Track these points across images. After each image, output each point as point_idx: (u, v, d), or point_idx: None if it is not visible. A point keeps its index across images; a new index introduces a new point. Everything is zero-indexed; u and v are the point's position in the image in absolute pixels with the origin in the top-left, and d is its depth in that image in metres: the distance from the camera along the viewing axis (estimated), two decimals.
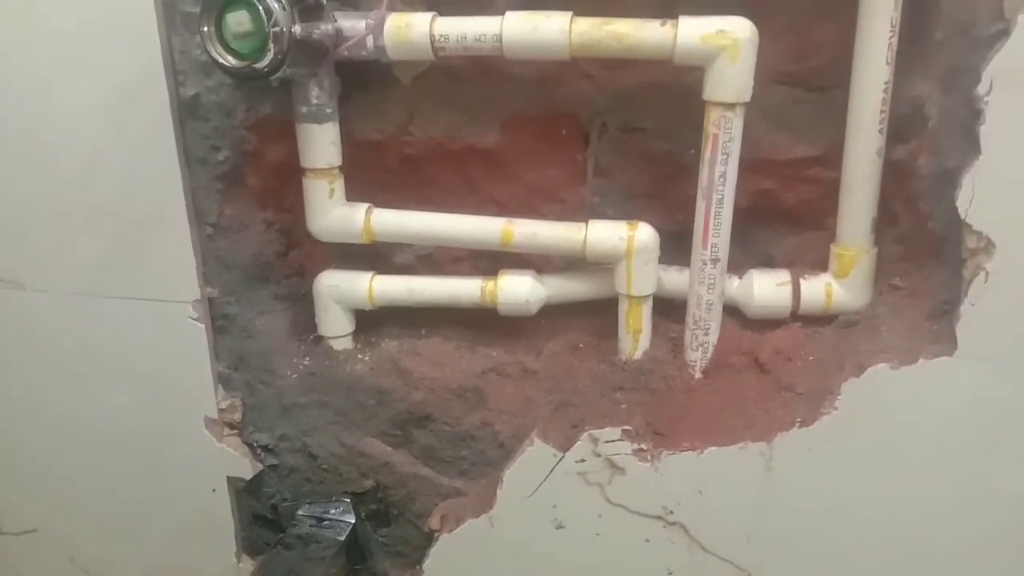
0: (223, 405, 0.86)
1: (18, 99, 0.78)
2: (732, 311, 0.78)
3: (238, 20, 0.64)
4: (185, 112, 0.76)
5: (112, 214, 0.80)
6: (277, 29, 0.65)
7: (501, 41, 0.70)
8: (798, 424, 0.72)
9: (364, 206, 0.80)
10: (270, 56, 0.65)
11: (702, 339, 0.75)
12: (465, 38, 0.70)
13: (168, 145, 0.76)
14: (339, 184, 0.79)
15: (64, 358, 0.86)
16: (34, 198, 0.81)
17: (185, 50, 0.74)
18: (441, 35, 0.71)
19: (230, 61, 0.65)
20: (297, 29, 0.66)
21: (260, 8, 0.64)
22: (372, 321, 0.87)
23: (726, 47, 0.66)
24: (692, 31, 0.66)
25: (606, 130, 0.79)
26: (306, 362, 0.86)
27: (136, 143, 0.77)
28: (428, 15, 0.71)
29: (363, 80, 0.78)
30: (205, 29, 0.64)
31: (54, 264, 0.83)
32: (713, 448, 0.74)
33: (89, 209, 0.80)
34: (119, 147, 0.77)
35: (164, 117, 0.75)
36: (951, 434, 0.69)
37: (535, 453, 0.78)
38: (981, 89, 0.61)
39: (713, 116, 0.68)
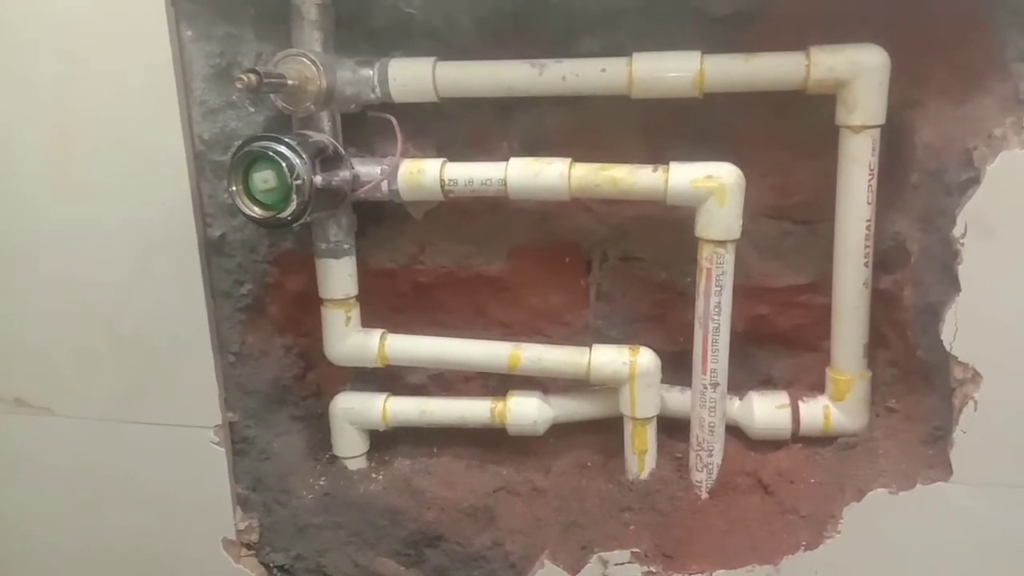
0: (241, 526, 0.88)
1: (51, 238, 0.83)
2: (734, 431, 0.80)
3: (264, 178, 0.69)
4: (212, 250, 0.82)
5: (138, 345, 0.84)
6: (299, 182, 0.70)
7: (506, 184, 0.75)
8: (803, 547, 0.74)
9: (378, 332, 0.84)
10: (293, 206, 0.70)
11: (706, 460, 0.78)
12: (472, 182, 0.76)
13: (195, 281, 0.81)
14: (355, 312, 0.84)
15: (88, 481, 0.89)
16: (64, 329, 0.86)
17: (213, 194, 0.80)
18: (450, 179, 0.76)
19: (257, 213, 0.71)
20: (318, 179, 0.72)
21: (283, 165, 0.69)
22: (385, 440, 0.90)
23: (714, 191, 0.70)
24: (682, 176, 0.71)
25: (606, 258, 0.84)
26: (321, 482, 0.88)
27: (164, 278, 0.82)
28: (438, 161, 0.77)
29: (378, 215, 0.84)
30: (233, 188, 0.70)
31: (82, 391, 0.87)
32: (721, 571, 0.75)
33: (116, 340, 0.85)
34: (147, 282, 0.82)
35: (192, 255, 0.80)
36: (950, 559, 0.70)
37: (546, 575, 0.79)
38: (956, 231, 0.65)
39: (706, 252, 0.72)
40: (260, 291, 0.84)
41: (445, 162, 0.77)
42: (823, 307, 0.77)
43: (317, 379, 0.92)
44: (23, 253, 0.85)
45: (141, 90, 0.76)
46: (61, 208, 0.82)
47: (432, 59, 0.75)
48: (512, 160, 0.75)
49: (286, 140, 0.71)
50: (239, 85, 0.65)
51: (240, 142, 0.71)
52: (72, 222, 0.82)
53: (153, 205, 0.79)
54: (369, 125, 0.80)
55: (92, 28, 0.75)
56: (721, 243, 0.71)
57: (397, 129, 0.77)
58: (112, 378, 0.86)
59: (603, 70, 0.72)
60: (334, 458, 0.89)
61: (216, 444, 0.85)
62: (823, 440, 0.78)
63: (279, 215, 0.70)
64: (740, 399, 0.80)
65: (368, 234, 0.84)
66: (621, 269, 0.83)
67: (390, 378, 0.89)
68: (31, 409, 0.89)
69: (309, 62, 0.72)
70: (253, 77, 0.66)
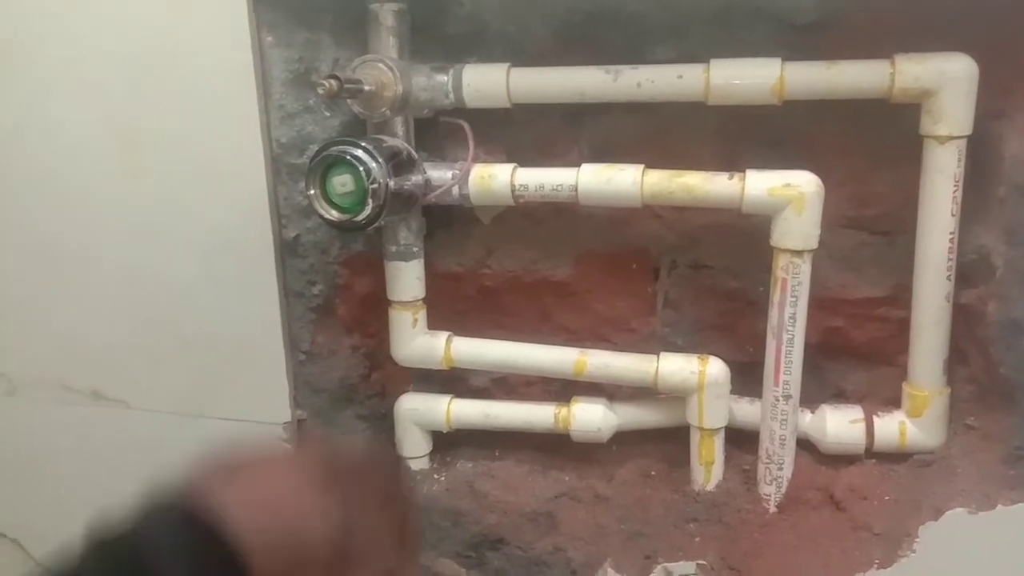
0: None
1: (128, 238, 0.85)
2: (804, 444, 0.79)
3: (342, 182, 0.70)
4: (286, 251, 0.83)
5: (212, 342, 0.86)
6: (375, 186, 0.71)
7: (577, 190, 0.75)
8: (876, 565, 0.72)
9: (445, 335, 0.85)
10: (369, 210, 0.71)
11: (776, 473, 0.76)
12: (543, 187, 0.76)
13: (269, 280, 0.83)
14: (422, 315, 0.84)
15: (162, 472, 0.92)
16: (138, 326, 0.89)
17: (288, 197, 0.82)
18: (521, 185, 0.76)
19: (334, 215, 0.72)
20: (392, 184, 0.73)
21: (361, 169, 0.70)
22: (448, 441, 0.90)
23: (792, 199, 0.69)
24: (759, 184, 0.70)
25: (676, 266, 0.83)
26: None
27: (239, 278, 0.84)
28: (509, 167, 0.77)
29: (446, 219, 0.84)
30: (312, 192, 0.71)
31: (156, 385, 0.90)
32: None
33: (190, 337, 0.87)
34: (222, 281, 0.84)
35: (267, 256, 0.82)
36: None
37: None
38: None
39: (781, 261, 0.71)
40: (330, 292, 0.86)
41: (516, 167, 0.77)
42: (900, 320, 0.76)
43: (381, 380, 0.93)
44: (100, 250, 0.88)
45: (221, 95, 0.78)
46: (137, 209, 0.85)
47: (506, 65, 0.75)
48: (584, 166, 0.75)
49: (363, 144, 0.72)
50: (320, 91, 0.67)
51: (318, 146, 0.72)
52: (148, 223, 0.85)
53: (229, 207, 0.81)
54: (440, 130, 0.81)
55: (172, 34, 0.78)
56: (798, 253, 0.70)
57: (469, 134, 0.78)
58: (185, 374, 0.88)
59: (679, 76, 0.71)
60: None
61: (285, 441, 0.87)
62: (898, 457, 0.76)
63: (355, 218, 0.71)
64: (812, 412, 0.79)
65: (436, 237, 0.85)
66: (690, 277, 0.82)
67: (453, 381, 0.89)
68: (107, 401, 0.92)
69: (386, 68, 0.73)
70: (334, 83, 0.67)
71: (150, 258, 0.85)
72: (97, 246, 0.87)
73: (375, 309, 0.87)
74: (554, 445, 0.87)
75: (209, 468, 0.42)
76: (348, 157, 0.70)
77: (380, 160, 0.72)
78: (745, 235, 0.76)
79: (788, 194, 0.69)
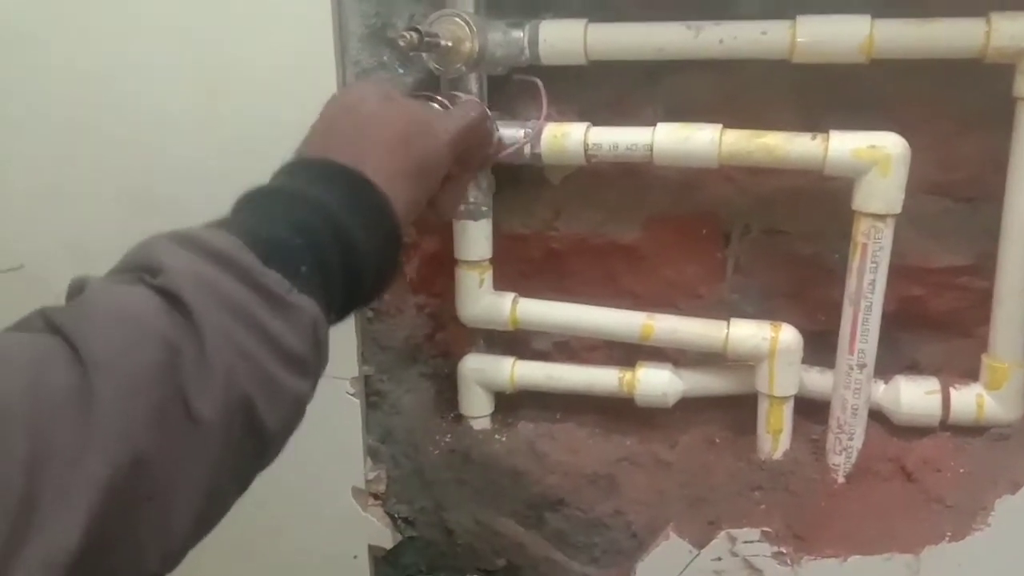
0: (370, 476, 0.91)
1: (202, 193, 0.83)
2: (876, 415, 0.77)
3: None
4: None
5: None
6: None
7: (652, 150, 0.74)
8: (947, 538, 0.71)
9: (511, 296, 0.85)
10: None
11: (846, 443, 0.75)
12: (617, 147, 0.75)
13: None
14: (488, 275, 0.85)
15: None
16: None
17: None
18: (594, 144, 0.76)
19: None
20: None
21: None
22: (510, 403, 0.91)
23: (878, 160, 0.67)
24: (843, 145, 0.68)
25: (748, 231, 0.82)
26: (447, 439, 0.90)
27: None
28: (583, 126, 0.76)
29: (515, 179, 0.84)
30: None
31: None
32: (857, 556, 0.73)
33: None
34: None
35: None
36: None
37: (670, 547, 0.79)
38: None
39: (863, 226, 0.69)
40: None
41: (589, 126, 0.76)
42: (982, 291, 0.73)
43: (446, 340, 0.93)
44: (174, 207, 0.89)
45: (297, 49, 0.79)
46: (211, 162, 0.85)
47: (583, 21, 0.74)
48: (660, 125, 0.74)
49: (436, 98, 0.71)
50: (401, 43, 0.66)
51: None
52: (222, 177, 0.85)
53: None
54: (511, 88, 0.80)
55: None
56: (880, 217, 0.68)
57: (543, 92, 0.77)
58: None
59: (763, 33, 0.69)
60: (460, 417, 0.91)
61: (352, 395, 0.88)
62: (973, 430, 0.75)
63: None
64: (885, 383, 0.77)
65: (504, 196, 0.85)
66: (763, 243, 0.81)
67: (515, 342, 0.90)
68: None
69: (463, 23, 0.73)
70: (414, 35, 0.67)
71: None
72: (177, 199, 0.88)
73: (440, 269, 0.87)
74: (616, 410, 0.87)
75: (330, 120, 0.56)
76: None
77: None
78: (823, 199, 0.75)
79: (873, 156, 0.67)
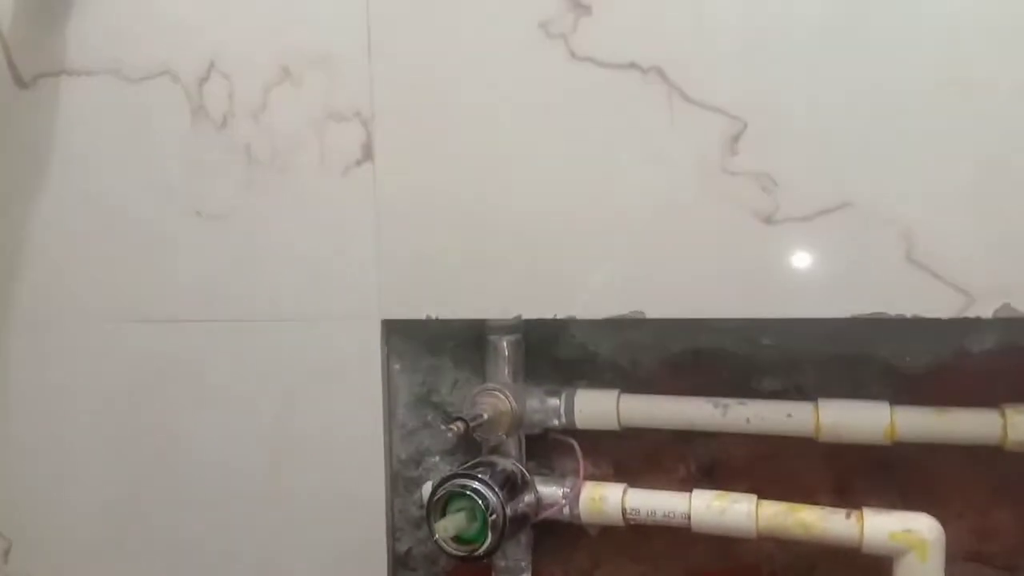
0: None
1: (260, 559, 0.89)
2: None
3: (457, 523, 0.73)
4: (398, 563, 0.85)
5: None
6: (494, 517, 0.73)
7: (689, 519, 0.76)
8: None
9: None
10: (488, 542, 0.73)
11: None
12: (655, 513, 0.77)
13: None
14: None
15: None
16: None
17: (403, 509, 0.85)
18: (633, 508, 0.78)
19: (454, 548, 0.74)
20: (509, 511, 0.75)
21: (480, 503, 0.73)
22: None
23: (915, 545, 0.68)
24: (878, 526, 0.70)
25: None
26: None
27: None
28: (620, 488, 0.79)
29: (553, 529, 0.85)
30: (436, 536, 0.74)
31: None
32: None
33: None
34: None
35: (380, 569, 0.84)
36: None
37: None
38: None
39: None
40: None
41: (627, 488, 0.79)
42: None
43: None
44: (238, 555, 0.91)
45: (350, 418, 0.84)
46: (270, 524, 0.89)
47: (616, 392, 0.79)
48: (695, 493, 0.76)
49: (479, 476, 0.75)
50: (450, 435, 0.72)
51: (436, 482, 0.76)
52: (279, 538, 0.88)
53: (350, 521, 0.84)
54: (549, 442, 0.84)
55: (315, 364, 0.86)
56: None
57: (579, 454, 0.81)
58: None
59: (789, 415, 0.74)
60: None
61: None
62: None
63: (476, 551, 0.73)
64: None
65: (542, 546, 0.85)
66: None
67: None
68: None
69: (503, 396, 0.79)
70: (462, 425, 0.72)
71: (277, 565, 0.88)
72: (236, 551, 0.90)
73: None
74: None
75: None
76: (468, 492, 0.73)
77: (496, 489, 0.74)
78: (863, 563, 0.75)
79: (909, 540, 0.68)
